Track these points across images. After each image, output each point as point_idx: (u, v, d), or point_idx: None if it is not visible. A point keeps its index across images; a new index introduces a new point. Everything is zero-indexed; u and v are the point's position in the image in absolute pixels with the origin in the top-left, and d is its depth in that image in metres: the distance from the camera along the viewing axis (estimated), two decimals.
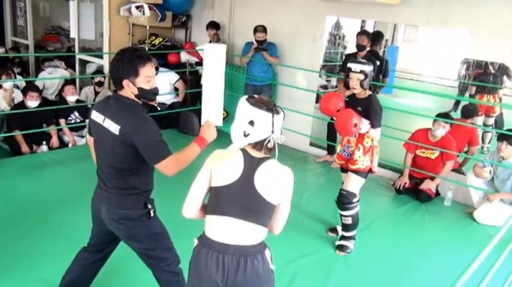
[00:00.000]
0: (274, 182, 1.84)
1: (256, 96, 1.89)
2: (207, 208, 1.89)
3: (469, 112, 5.00)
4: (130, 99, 2.17)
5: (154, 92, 2.20)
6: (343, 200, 3.47)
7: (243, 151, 1.85)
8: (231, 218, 1.80)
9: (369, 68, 3.31)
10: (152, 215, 2.27)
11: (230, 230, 1.80)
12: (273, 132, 1.82)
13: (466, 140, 4.89)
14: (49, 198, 4.02)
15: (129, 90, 2.13)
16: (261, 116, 1.80)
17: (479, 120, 5.37)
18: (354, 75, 3.32)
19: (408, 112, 4.90)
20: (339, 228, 3.76)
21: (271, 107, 1.82)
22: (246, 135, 1.84)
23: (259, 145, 1.85)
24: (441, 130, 4.54)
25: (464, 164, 5.01)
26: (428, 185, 4.67)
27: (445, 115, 4.65)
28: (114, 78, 2.16)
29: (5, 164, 4.74)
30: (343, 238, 3.62)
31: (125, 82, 2.11)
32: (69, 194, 4.08)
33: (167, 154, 2.10)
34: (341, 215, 3.53)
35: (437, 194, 4.77)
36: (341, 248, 3.59)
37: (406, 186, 4.83)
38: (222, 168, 1.83)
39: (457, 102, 5.62)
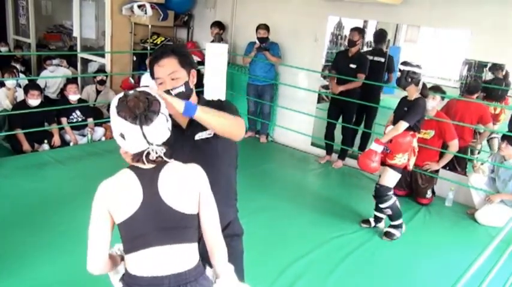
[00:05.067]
0: (182, 187, 1.53)
1: (129, 94, 1.50)
2: (123, 248, 1.57)
3: (472, 88, 4.90)
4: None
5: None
6: (378, 194, 3.78)
7: (131, 167, 1.54)
8: (154, 247, 1.49)
9: (418, 71, 3.58)
10: None
11: (158, 261, 1.50)
12: (150, 143, 1.47)
13: (477, 118, 4.74)
14: (50, 197, 4.03)
15: None
16: (128, 129, 1.45)
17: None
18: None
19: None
20: (371, 220, 4.03)
21: (138, 115, 1.44)
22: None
23: (139, 157, 1.50)
24: (433, 102, 4.47)
25: (481, 141, 4.94)
26: (432, 167, 4.62)
27: (435, 88, 4.63)
28: None
29: (6, 162, 4.75)
30: (391, 226, 3.85)
31: None
32: (70, 193, 4.09)
33: None
34: (380, 207, 3.81)
35: (434, 193, 4.75)
36: (388, 234, 3.84)
37: (404, 194, 4.80)
38: (119, 199, 1.50)
39: None
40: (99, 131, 5.84)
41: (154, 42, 6.99)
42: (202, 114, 1.63)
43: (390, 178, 3.73)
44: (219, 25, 6.43)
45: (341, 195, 4.77)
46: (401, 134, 3.62)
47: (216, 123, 1.69)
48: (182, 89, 1.79)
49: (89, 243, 1.54)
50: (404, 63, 3.68)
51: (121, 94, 1.52)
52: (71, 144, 5.54)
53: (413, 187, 4.73)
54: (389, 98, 6.79)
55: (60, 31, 9.15)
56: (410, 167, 3.74)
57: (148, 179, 1.50)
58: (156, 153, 1.47)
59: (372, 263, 3.50)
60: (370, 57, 5.34)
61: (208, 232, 1.60)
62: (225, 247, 1.64)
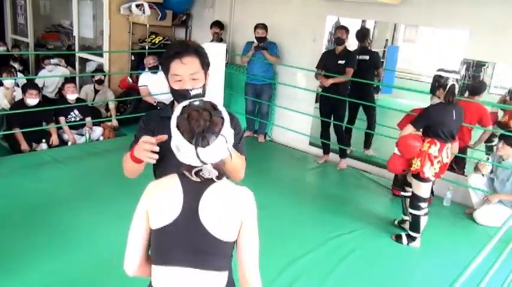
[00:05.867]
0: (226, 214, 1.41)
1: (194, 105, 1.40)
2: (151, 257, 1.49)
3: (475, 89, 4.90)
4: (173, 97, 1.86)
5: (183, 95, 1.73)
6: (411, 199, 3.72)
7: (180, 174, 1.44)
8: (178, 267, 1.41)
9: (446, 75, 3.54)
10: None
11: (180, 283, 1.41)
12: (203, 163, 1.37)
13: (476, 119, 4.72)
14: (48, 196, 4.02)
15: (168, 86, 1.84)
16: (184, 145, 1.36)
17: None
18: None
19: (408, 112, 4.87)
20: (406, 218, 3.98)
21: (195, 135, 1.34)
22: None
23: (190, 169, 1.41)
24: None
25: (479, 144, 4.93)
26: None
27: None
28: None
29: (4, 162, 4.74)
30: (407, 234, 3.81)
31: (166, 78, 1.82)
32: (69, 193, 4.09)
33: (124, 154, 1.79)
34: (409, 210, 3.77)
35: (432, 193, 4.75)
36: (398, 237, 3.84)
37: (399, 194, 4.80)
38: (158, 204, 1.42)
39: None
40: (98, 131, 5.83)
41: (153, 41, 6.99)
42: (234, 159, 1.55)
43: (415, 186, 3.67)
44: (218, 25, 6.42)
45: (339, 195, 4.77)
46: (408, 136, 3.61)
47: (233, 166, 1.64)
48: (200, 91, 1.76)
49: (127, 243, 1.49)
50: (440, 70, 3.65)
51: (186, 102, 1.42)
52: (69, 143, 5.53)
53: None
54: (388, 98, 6.82)
55: (58, 31, 9.14)
56: (426, 174, 3.54)
57: (192, 193, 1.41)
58: (209, 174, 1.38)
59: (370, 263, 3.50)
60: (356, 57, 5.36)
61: (244, 265, 1.46)
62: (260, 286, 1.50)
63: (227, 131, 1.40)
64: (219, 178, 1.41)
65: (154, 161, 1.61)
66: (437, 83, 3.55)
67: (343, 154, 5.54)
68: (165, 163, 1.63)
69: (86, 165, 4.87)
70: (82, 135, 5.73)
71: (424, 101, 5.17)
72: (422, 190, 3.63)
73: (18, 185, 4.21)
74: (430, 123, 3.56)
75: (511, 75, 5.11)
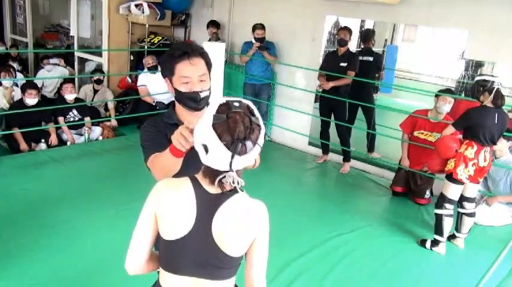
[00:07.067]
0: (239, 233, 1.36)
1: (233, 105, 1.29)
2: (159, 259, 1.46)
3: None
4: (175, 100, 1.79)
5: (193, 97, 1.68)
6: (438, 198, 3.73)
7: (194, 181, 1.36)
8: (186, 277, 1.39)
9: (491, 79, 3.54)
10: None
11: None
12: (231, 170, 1.28)
13: None
14: (47, 196, 4.02)
15: (170, 89, 1.76)
16: (217, 149, 1.26)
17: None
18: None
19: (408, 112, 4.89)
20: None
21: (235, 141, 1.25)
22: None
23: (210, 176, 1.32)
24: (447, 106, 4.38)
25: None
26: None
27: (448, 90, 4.56)
28: None
29: (3, 161, 4.74)
30: (433, 240, 3.79)
31: (166, 80, 1.75)
32: (67, 192, 4.09)
33: (145, 159, 1.72)
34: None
35: (432, 194, 4.75)
36: (423, 242, 3.84)
37: (401, 190, 4.81)
38: (169, 214, 1.35)
39: None
40: (96, 131, 5.83)
41: (152, 41, 6.99)
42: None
43: (445, 186, 3.68)
44: (215, 24, 6.43)
45: (339, 195, 4.78)
46: (447, 137, 3.70)
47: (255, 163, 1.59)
48: (208, 93, 1.70)
49: (131, 241, 1.44)
50: (481, 75, 3.70)
51: (223, 100, 1.31)
52: (68, 143, 5.53)
53: (412, 187, 4.73)
54: (387, 97, 6.81)
55: (58, 31, 9.14)
56: (458, 175, 3.53)
57: (207, 207, 1.33)
58: (233, 183, 1.29)
59: (369, 263, 3.49)
60: (359, 58, 5.34)
61: (253, 276, 1.45)
62: None
63: (262, 140, 1.32)
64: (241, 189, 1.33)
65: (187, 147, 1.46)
66: (482, 88, 3.51)
67: (346, 157, 5.46)
68: (188, 162, 1.56)
69: (85, 165, 4.87)
70: (81, 135, 5.73)
71: (424, 101, 5.19)
72: (451, 190, 3.63)
73: (17, 184, 4.20)
74: (469, 125, 3.56)
75: (511, 75, 5.11)
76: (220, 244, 1.34)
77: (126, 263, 1.44)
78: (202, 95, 1.68)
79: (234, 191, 1.32)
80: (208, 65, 1.73)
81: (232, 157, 1.24)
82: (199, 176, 1.36)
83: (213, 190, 1.33)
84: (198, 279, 1.39)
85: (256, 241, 1.40)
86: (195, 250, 1.35)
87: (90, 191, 4.16)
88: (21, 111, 5.09)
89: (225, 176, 1.28)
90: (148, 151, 1.70)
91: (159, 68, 6.24)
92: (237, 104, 1.29)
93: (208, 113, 1.28)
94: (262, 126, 1.32)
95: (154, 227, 1.40)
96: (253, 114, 1.31)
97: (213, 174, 1.31)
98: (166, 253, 1.40)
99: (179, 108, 1.77)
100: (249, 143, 1.26)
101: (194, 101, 1.68)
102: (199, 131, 1.31)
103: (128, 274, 1.47)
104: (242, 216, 1.35)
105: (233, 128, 1.24)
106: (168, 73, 1.70)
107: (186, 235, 1.34)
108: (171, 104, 1.82)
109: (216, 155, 1.26)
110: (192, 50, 1.67)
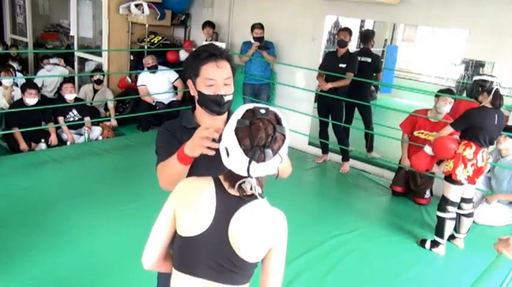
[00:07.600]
0: (256, 239, 1.36)
1: (260, 113, 1.29)
2: (173, 258, 1.46)
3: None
4: (193, 103, 1.75)
5: (217, 100, 1.63)
6: (440, 201, 3.69)
7: (217, 182, 1.38)
8: (198, 279, 1.39)
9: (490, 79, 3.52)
10: None
11: None
12: (250, 176, 1.29)
13: None
14: (47, 196, 4.02)
15: (192, 91, 1.70)
16: (237, 154, 1.27)
17: None
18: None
19: (407, 112, 4.89)
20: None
21: (254, 148, 1.26)
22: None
23: (230, 180, 1.35)
24: (448, 106, 4.36)
25: None
26: (434, 169, 4.51)
27: (448, 90, 4.54)
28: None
29: (3, 161, 4.74)
30: (433, 240, 3.78)
31: (188, 81, 1.69)
32: (67, 192, 4.09)
33: (156, 164, 1.71)
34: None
35: (431, 194, 4.75)
36: (423, 242, 3.83)
37: (401, 190, 4.81)
38: (188, 211, 1.36)
39: None
40: (96, 131, 5.83)
41: (152, 41, 6.99)
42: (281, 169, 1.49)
43: (445, 188, 3.65)
44: (211, 25, 6.44)
45: (339, 194, 4.78)
46: (445, 137, 3.66)
47: (280, 173, 1.53)
48: (231, 97, 1.67)
49: (149, 236, 1.45)
50: (479, 74, 3.67)
51: (250, 106, 1.32)
52: (68, 143, 5.53)
53: (412, 187, 4.73)
54: (387, 97, 6.81)
55: (58, 30, 9.14)
56: (458, 177, 3.51)
57: (226, 207, 1.34)
58: (251, 189, 1.31)
59: (369, 263, 3.50)
60: (358, 58, 5.34)
61: (269, 284, 1.44)
62: None
63: (285, 150, 1.33)
64: (261, 196, 1.34)
65: (213, 152, 1.45)
66: (481, 88, 3.48)
67: (345, 157, 5.47)
68: (195, 165, 1.56)
69: (85, 165, 4.87)
70: (81, 135, 5.73)
71: (424, 101, 5.20)
72: (452, 192, 3.60)
73: (17, 184, 4.20)
74: (469, 125, 3.52)
75: (510, 75, 5.11)
76: (236, 248, 1.34)
77: (143, 257, 1.46)
78: (226, 98, 1.64)
79: (253, 196, 1.33)
80: (233, 69, 1.69)
81: (250, 162, 1.26)
82: (221, 177, 1.38)
83: (234, 192, 1.34)
84: (211, 282, 1.38)
85: (273, 249, 1.41)
86: (209, 249, 1.35)
87: (90, 191, 4.16)
88: (21, 111, 5.09)
89: (244, 182, 1.30)
90: (160, 156, 1.69)
91: (160, 67, 6.27)
92: (263, 111, 1.30)
93: (234, 118, 1.30)
94: (288, 136, 1.32)
95: (172, 225, 1.41)
96: (280, 123, 1.31)
97: (233, 178, 1.33)
98: (181, 250, 1.40)
99: (199, 111, 1.72)
100: (268, 151, 1.27)
101: (218, 105, 1.65)
102: (224, 133, 1.32)
103: (143, 268, 1.48)
104: (259, 222, 1.36)
105: (254, 134, 1.26)
106: (192, 75, 1.65)
107: (202, 233, 1.34)
108: (190, 108, 1.78)
109: (235, 160, 1.28)
110: (219, 53, 1.64)
